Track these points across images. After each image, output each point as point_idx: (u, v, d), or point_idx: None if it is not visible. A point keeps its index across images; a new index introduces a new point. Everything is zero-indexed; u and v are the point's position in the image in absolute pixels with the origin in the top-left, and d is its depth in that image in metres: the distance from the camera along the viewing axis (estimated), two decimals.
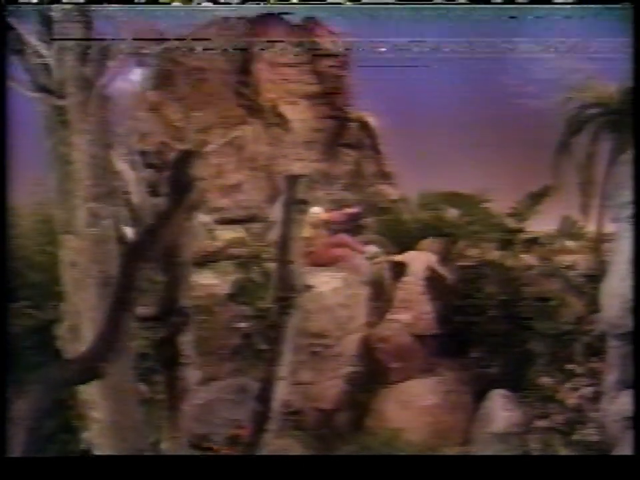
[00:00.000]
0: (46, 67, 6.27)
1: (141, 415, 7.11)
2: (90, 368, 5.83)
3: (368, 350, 11.13)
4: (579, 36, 13.91)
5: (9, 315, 6.95)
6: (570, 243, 12.25)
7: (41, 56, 6.24)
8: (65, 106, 6.25)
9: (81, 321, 6.58)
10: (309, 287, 7.57)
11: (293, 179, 7.35)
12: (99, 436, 6.75)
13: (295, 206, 7.31)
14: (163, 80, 13.02)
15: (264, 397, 7.42)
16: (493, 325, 11.23)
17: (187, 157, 6.57)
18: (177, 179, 6.49)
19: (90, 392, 6.66)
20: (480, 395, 10.71)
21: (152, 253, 6.21)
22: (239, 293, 10.49)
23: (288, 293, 7.36)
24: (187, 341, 7.10)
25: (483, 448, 10.28)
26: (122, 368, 6.73)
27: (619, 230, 9.89)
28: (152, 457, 7.61)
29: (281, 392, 7.42)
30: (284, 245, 7.38)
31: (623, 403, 9.31)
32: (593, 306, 10.58)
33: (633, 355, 8.85)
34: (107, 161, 6.57)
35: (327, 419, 10.80)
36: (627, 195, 9.44)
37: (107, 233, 6.53)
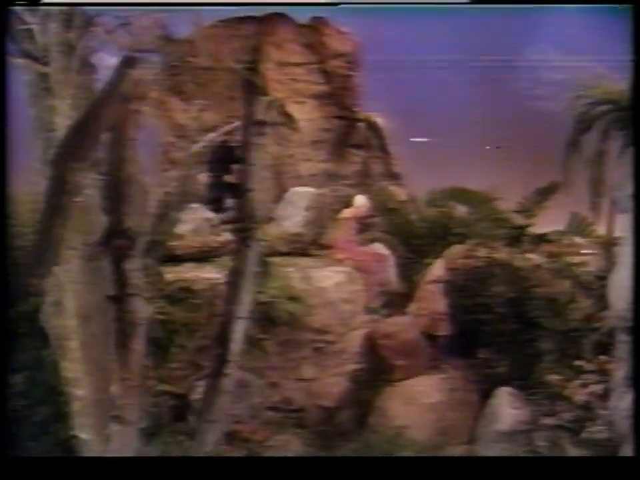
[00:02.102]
0: (30, 33, 6.19)
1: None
2: None
3: (372, 346, 10.92)
4: (587, 36, 13.86)
5: (9, 319, 6.85)
6: (579, 240, 12.01)
7: (24, 22, 6.16)
8: (48, 73, 6.16)
9: (64, 295, 6.46)
10: (270, 219, 7.31)
11: (252, 99, 7.02)
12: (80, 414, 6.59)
13: (256, 128, 7.01)
14: (169, 79, 12.95)
15: (222, 338, 7.15)
16: (501, 323, 10.99)
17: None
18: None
19: (73, 369, 6.54)
20: (486, 393, 10.47)
21: (85, 152, 5.98)
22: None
23: (248, 223, 7.08)
24: (134, 270, 6.70)
25: (489, 446, 10.05)
26: (103, 344, 6.61)
27: (628, 221, 9.66)
28: (152, 458, 7.55)
29: (240, 331, 7.18)
30: (244, 170, 7.07)
31: (632, 398, 9.05)
32: (602, 303, 10.34)
33: (633, 355, 8.65)
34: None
35: (329, 417, 10.58)
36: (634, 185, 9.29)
37: (90, 203, 6.39)
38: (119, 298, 6.55)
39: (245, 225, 7.07)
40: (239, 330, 7.15)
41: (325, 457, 9.45)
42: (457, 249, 11.60)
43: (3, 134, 6.49)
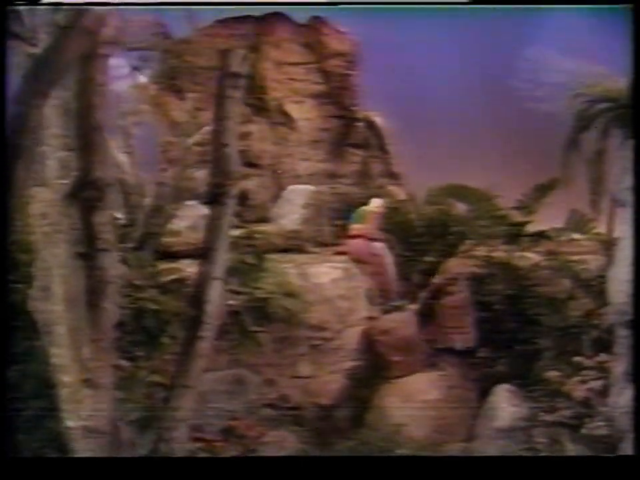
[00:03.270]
0: (18, 14, 6.14)
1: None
2: None
3: (369, 343, 10.83)
4: (585, 36, 13.82)
5: (9, 324, 6.77)
6: (578, 237, 11.93)
7: (12, 2, 6.11)
8: (37, 54, 6.09)
9: (51, 280, 6.37)
10: (246, 176, 7.14)
11: (225, 53, 6.87)
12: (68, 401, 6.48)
13: (230, 80, 6.85)
14: (166, 76, 12.97)
15: (197, 299, 6.99)
16: (500, 320, 10.91)
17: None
18: None
19: (61, 355, 6.44)
20: (485, 390, 10.37)
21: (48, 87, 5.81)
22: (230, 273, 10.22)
23: (223, 179, 6.91)
24: (104, 223, 6.45)
25: (488, 443, 9.94)
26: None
27: (627, 215, 9.56)
28: (152, 458, 7.44)
29: (215, 292, 7.03)
30: (218, 124, 6.91)
31: (631, 394, 8.94)
32: (602, 300, 10.23)
33: (634, 353, 8.55)
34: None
35: (326, 414, 10.47)
36: (633, 178, 9.20)
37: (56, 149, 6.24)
38: (89, 255, 6.34)
39: (220, 181, 6.91)
40: (214, 291, 6.98)
41: (323, 456, 9.33)
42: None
43: (3, 134, 6.42)
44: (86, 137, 6.31)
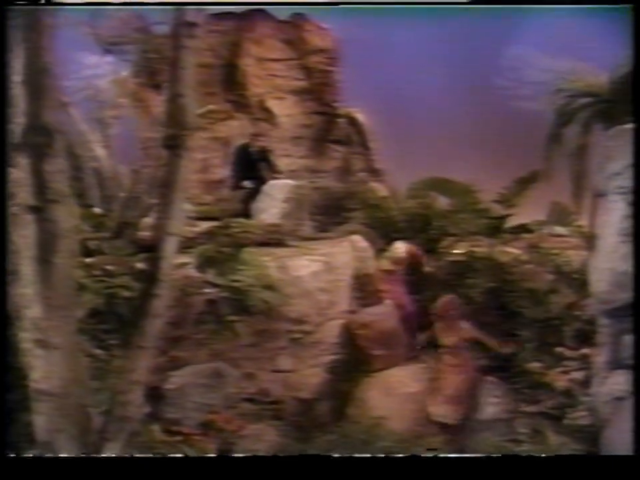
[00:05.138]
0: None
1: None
2: None
3: (350, 337, 10.72)
4: (573, 34, 13.83)
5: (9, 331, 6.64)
6: (560, 229, 11.90)
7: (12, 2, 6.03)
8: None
9: (20, 262, 6.23)
10: (201, 128, 6.98)
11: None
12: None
13: (185, 29, 6.71)
14: (146, 72, 12.89)
15: (153, 255, 6.81)
16: (481, 313, 10.84)
17: None
18: None
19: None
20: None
21: None
22: (205, 263, 10.14)
23: (178, 130, 6.76)
24: (55, 172, 6.26)
25: (470, 435, 9.86)
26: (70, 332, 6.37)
27: (607, 202, 9.51)
28: (152, 458, 7.50)
29: (172, 249, 6.86)
30: (173, 74, 6.75)
31: (613, 383, 8.88)
32: (584, 291, 10.19)
33: (633, 355, 8.48)
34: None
35: (307, 409, 10.35)
36: (614, 166, 9.15)
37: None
38: (39, 208, 6.17)
39: (175, 133, 6.77)
40: (170, 247, 6.83)
41: (319, 455, 9.17)
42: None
43: (3, 134, 6.30)
44: (33, 81, 6.14)
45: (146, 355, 6.76)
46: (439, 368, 10.32)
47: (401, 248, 11.38)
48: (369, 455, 8.81)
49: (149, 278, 6.73)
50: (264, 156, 12.69)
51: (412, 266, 11.34)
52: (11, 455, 6.73)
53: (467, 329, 10.48)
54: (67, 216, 6.34)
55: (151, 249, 6.79)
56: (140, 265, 8.97)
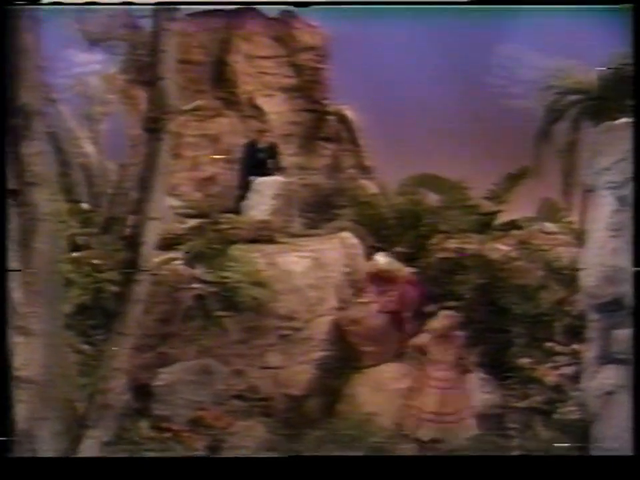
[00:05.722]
0: None
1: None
2: None
3: (339, 333, 10.69)
4: (563, 32, 13.84)
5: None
6: (550, 226, 11.89)
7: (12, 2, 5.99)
8: None
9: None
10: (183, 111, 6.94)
11: None
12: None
13: (166, 13, 6.67)
14: (135, 68, 12.82)
15: (133, 240, 6.75)
16: (471, 310, 10.82)
17: None
18: None
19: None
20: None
21: None
22: (194, 259, 10.10)
23: (159, 113, 6.72)
24: (33, 154, 6.20)
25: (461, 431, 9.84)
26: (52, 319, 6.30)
27: (596, 198, 9.50)
28: (153, 458, 7.73)
29: (153, 234, 6.82)
30: (154, 57, 6.69)
31: (603, 377, 8.87)
32: (574, 287, 10.18)
33: (633, 354, 8.47)
34: None
35: (296, 405, 10.32)
36: (603, 161, 9.14)
37: None
38: (18, 191, 6.09)
39: (156, 116, 6.73)
40: (151, 232, 6.78)
41: (314, 455, 9.14)
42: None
43: (4, 134, 6.25)
44: (9, 63, 6.10)
45: (127, 342, 6.71)
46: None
47: (381, 260, 11.16)
48: (367, 455, 8.84)
49: (130, 263, 6.69)
50: (272, 152, 12.64)
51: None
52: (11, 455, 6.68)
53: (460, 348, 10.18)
54: (46, 200, 6.26)
55: (132, 235, 6.74)
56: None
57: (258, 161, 12.45)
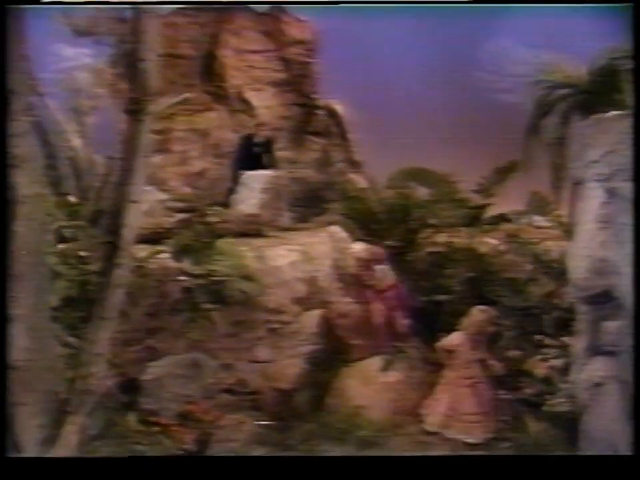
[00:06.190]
0: None
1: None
2: None
3: (328, 326, 10.67)
4: (552, 26, 13.83)
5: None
6: (539, 219, 11.90)
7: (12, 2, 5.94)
8: None
9: None
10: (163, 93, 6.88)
11: None
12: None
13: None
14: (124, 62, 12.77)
15: (114, 224, 6.68)
16: (460, 303, 10.81)
17: None
18: None
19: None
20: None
21: None
22: (183, 253, 10.07)
23: (140, 95, 6.66)
24: (16, 135, 6.09)
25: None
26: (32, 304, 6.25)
27: (585, 190, 9.50)
28: (152, 458, 7.66)
29: (134, 217, 6.75)
30: (135, 38, 6.63)
31: (592, 369, 8.87)
32: (563, 280, 10.18)
33: (633, 354, 8.47)
34: None
35: (285, 399, 10.29)
36: (591, 153, 9.15)
37: None
38: None
39: (137, 97, 6.68)
40: (133, 215, 6.72)
41: (310, 456, 9.10)
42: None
43: (4, 134, 6.19)
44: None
45: (108, 327, 6.65)
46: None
47: (357, 248, 11.06)
48: (367, 455, 8.83)
49: (112, 248, 6.63)
50: (268, 147, 12.61)
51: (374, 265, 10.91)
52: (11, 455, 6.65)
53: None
54: (27, 181, 6.17)
55: (112, 219, 6.68)
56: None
57: (253, 155, 12.43)
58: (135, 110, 6.68)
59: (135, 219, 6.69)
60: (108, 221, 6.76)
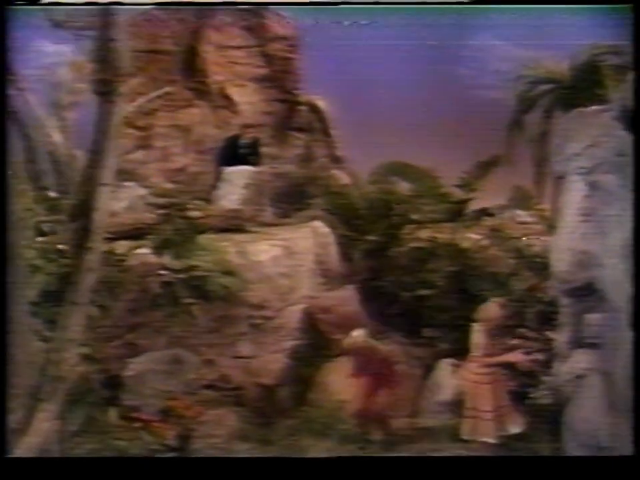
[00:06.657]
0: None
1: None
2: None
3: (311, 321, 10.64)
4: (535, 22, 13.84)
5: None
6: (522, 213, 11.92)
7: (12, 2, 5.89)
8: None
9: None
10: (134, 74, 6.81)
11: None
12: None
13: None
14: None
15: (85, 206, 6.62)
16: (443, 298, 10.82)
17: None
18: None
19: None
20: (429, 365, 10.25)
21: None
22: (163, 246, 10.02)
23: (110, 76, 6.59)
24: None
25: (433, 418, 9.82)
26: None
27: (567, 183, 9.52)
28: (151, 458, 7.72)
29: (104, 199, 6.68)
30: (104, 19, 6.55)
31: (574, 361, 8.89)
32: (545, 274, 10.20)
33: (633, 353, 8.48)
34: None
35: (268, 394, 10.26)
36: (573, 147, 9.18)
37: None
38: None
39: (107, 78, 6.63)
40: (104, 198, 6.66)
41: (305, 457, 9.05)
42: None
43: (4, 134, 6.13)
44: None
45: (80, 312, 6.58)
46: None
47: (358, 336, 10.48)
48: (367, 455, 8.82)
49: (83, 231, 6.56)
50: (254, 148, 12.55)
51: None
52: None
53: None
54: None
55: (83, 202, 6.60)
56: None
57: (238, 156, 12.38)
58: (105, 91, 6.59)
59: (106, 203, 6.61)
60: (79, 204, 6.67)
